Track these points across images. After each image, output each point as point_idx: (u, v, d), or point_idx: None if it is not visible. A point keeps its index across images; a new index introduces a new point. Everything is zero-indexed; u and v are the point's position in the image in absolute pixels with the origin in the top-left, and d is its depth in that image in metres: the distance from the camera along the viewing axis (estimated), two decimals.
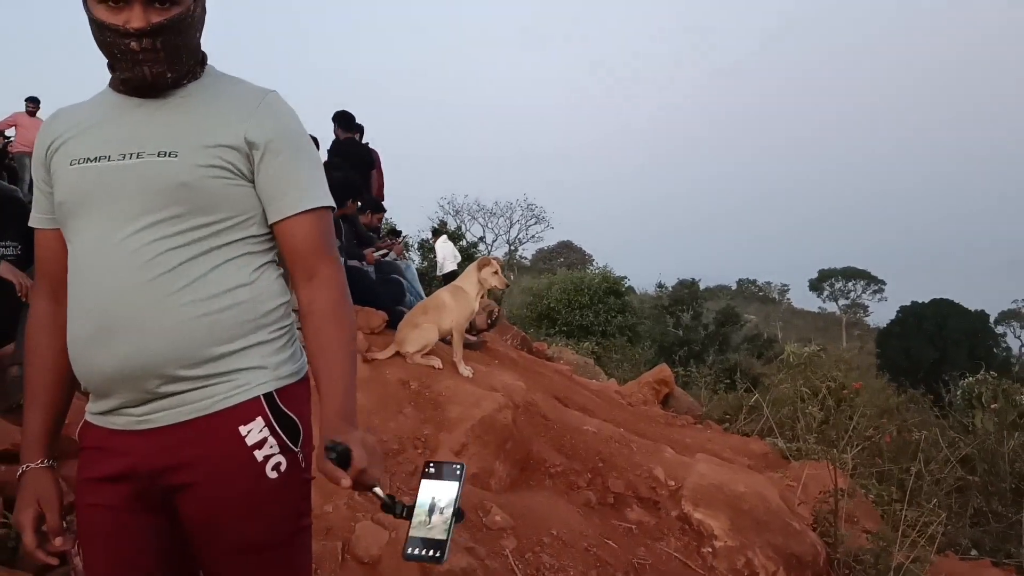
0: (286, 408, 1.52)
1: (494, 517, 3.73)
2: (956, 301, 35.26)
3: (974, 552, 6.20)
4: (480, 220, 42.57)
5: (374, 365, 4.71)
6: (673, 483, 4.45)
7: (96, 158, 1.48)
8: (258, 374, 1.50)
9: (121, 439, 1.49)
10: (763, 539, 4.16)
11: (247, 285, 1.51)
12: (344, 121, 8.86)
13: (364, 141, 9.29)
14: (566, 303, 23.28)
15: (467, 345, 5.91)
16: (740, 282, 77.38)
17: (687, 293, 31.70)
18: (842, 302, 68.66)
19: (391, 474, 3.86)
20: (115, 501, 1.50)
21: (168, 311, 1.43)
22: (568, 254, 57.17)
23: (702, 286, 35.19)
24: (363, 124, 9.21)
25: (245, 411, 1.47)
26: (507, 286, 5.41)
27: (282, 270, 1.63)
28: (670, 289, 34.04)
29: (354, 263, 5.81)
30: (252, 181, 1.54)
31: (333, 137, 9.04)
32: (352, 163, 8.41)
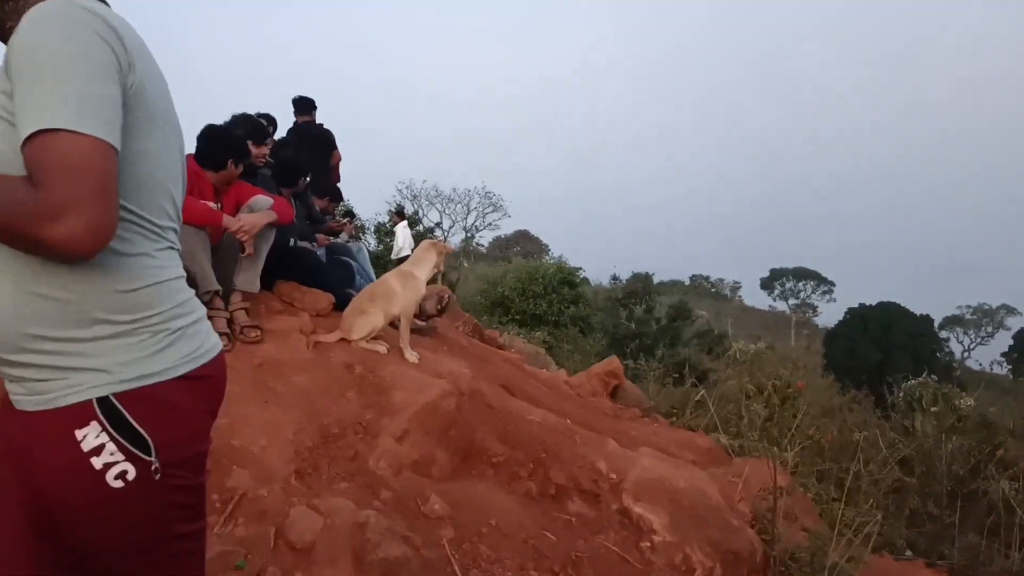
0: (129, 414, 1.38)
1: (432, 506, 3.69)
2: (903, 305, 35.94)
3: (909, 552, 6.32)
4: (437, 206, 42.32)
5: (319, 348, 4.62)
6: (615, 476, 4.44)
7: None
8: (92, 376, 1.37)
9: (9, 412, 1.44)
10: (702, 535, 4.17)
11: (75, 268, 1.35)
12: (302, 106, 8.79)
13: (319, 122, 9.19)
14: (520, 292, 23.35)
15: (416, 330, 5.84)
16: (693, 278, 78.38)
17: (641, 286, 31.86)
18: (792, 301, 69.87)
19: (330, 459, 3.80)
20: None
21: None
22: (525, 243, 57.30)
23: (656, 280, 35.50)
24: (314, 100, 9.11)
25: (78, 413, 1.36)
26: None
27: (142, 248, 1.45)
28: (624, 282, 34.24)
29: (304, 244, 5.72)
30: None
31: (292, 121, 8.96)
32: (309, 144, 8.31)
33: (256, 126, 5.34)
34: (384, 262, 20.53)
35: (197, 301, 1.61)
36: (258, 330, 4.51)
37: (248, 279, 4.67)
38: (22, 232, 1.24)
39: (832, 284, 68.72)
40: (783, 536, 4.60)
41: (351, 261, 6.39)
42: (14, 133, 1.29)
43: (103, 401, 1.37)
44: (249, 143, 5.20)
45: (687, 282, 75.46)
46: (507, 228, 53.96)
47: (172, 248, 1.55)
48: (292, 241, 5.33)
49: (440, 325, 6.55)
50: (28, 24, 1.31)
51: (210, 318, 4.35)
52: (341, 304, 5.10)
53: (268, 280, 4.95)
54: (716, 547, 4.13)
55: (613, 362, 9.62)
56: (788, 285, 69.34)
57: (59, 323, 1.35)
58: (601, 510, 4.26)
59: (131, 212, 1.42)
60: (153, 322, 1.43)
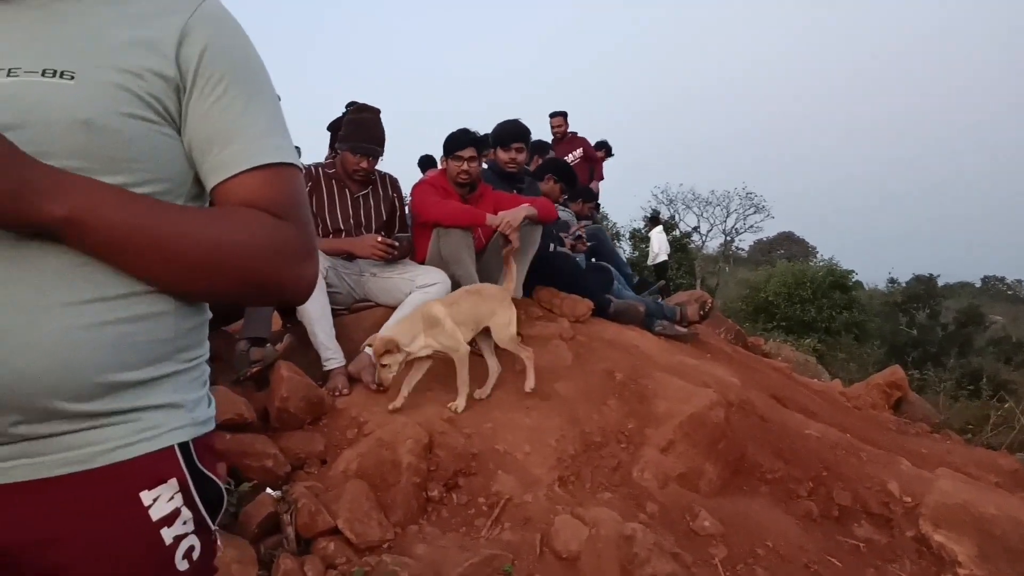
0: (204, 467, 1.04)
1: (702, 522, 3.46)
2: None
3: None
4: (695, 209, 40.99)
5: (578, 353, 4.54)
6: (909, 499, 3.95)
7: None
8: (172, 415, 1.00)
9: None
10: (1017, 571, 3.60)
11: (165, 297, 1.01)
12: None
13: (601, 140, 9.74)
14: (786, 296, 22.28)
15: (677, 337, 5.62)
16: (985, 279, 70.88)
17: (923, 290, 29.35)
18: None
19: (593, 468, 3.68)
20: None
21: (48, 315, 0.89)
22: (789, 246, 54.69)
23: (941, 282, 32.54)
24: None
25: (150, 467, 0.97)
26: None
27: None
28: (904, 285, 31.71)
29: (563, 250, 5.69)
30: (180, 128, 1.03)
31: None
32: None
33: (506, 130, 5.32)
34: (641, 268, 20.40)
35: None
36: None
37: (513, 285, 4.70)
38: (279, 271, 1.03)
39: None
40: None
41: (609, 267, 6.29)
42: (157, 133, 1.00)
43: (185, 448, 1.02)
44: (498, 148, 5.27)
45: (978, 284, 68.53)
46: (770, 230, 51.65)
47: None
48: (551, 246, 5.31)
49: (701, 331, 6.28)
50: (226, 21, 1.07)
51: None
52: (599, 310, 5.02)
53: (528, 285, 4.96)
54: None
55: (896, 372, 8.82)
56: None
57: (146, 359, 0.98)
58: (894, 536, 3.80)
59: None
60: (203, 361, 1.13)
